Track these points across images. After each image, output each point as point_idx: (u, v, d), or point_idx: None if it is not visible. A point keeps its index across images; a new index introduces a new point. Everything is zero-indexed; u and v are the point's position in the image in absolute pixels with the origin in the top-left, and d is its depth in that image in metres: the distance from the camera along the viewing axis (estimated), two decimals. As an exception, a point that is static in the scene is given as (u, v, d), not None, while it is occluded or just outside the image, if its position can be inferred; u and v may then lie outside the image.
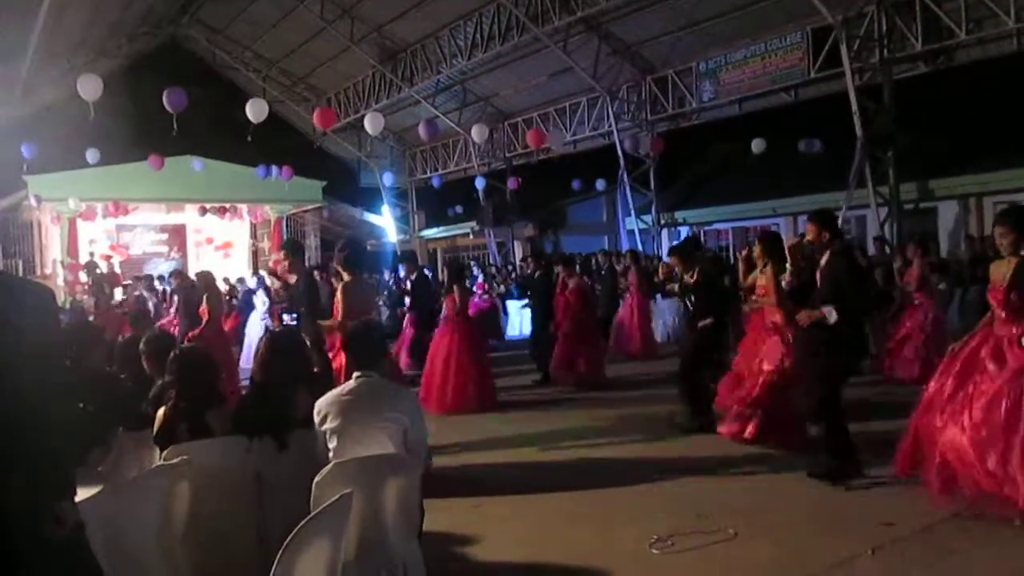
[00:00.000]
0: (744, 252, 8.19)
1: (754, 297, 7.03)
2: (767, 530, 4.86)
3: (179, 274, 12.91)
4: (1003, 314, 4.79)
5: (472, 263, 21.33)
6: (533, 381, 10.89)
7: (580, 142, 21.43)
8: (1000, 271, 4.86)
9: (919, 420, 4.97)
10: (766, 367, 6.63)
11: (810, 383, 5.86)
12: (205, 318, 9.15)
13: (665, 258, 10.67)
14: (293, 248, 8.07)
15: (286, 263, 7.98)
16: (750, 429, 6.73)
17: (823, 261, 5.88)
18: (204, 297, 9.38)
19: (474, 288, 15.72)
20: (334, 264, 7.74)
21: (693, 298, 8.03)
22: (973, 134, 16.25)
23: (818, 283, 5.91)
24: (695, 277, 7.88)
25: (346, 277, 6.70)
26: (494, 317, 16.11)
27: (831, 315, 5.58)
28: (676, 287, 8.45)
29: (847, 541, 4.57)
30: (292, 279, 7.76)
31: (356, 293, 6.52)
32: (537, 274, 11.91)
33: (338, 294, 6.56)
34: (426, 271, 15.60)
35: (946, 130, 16.81)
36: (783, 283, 6.55)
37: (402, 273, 13.80)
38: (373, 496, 3.50)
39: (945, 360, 5.05)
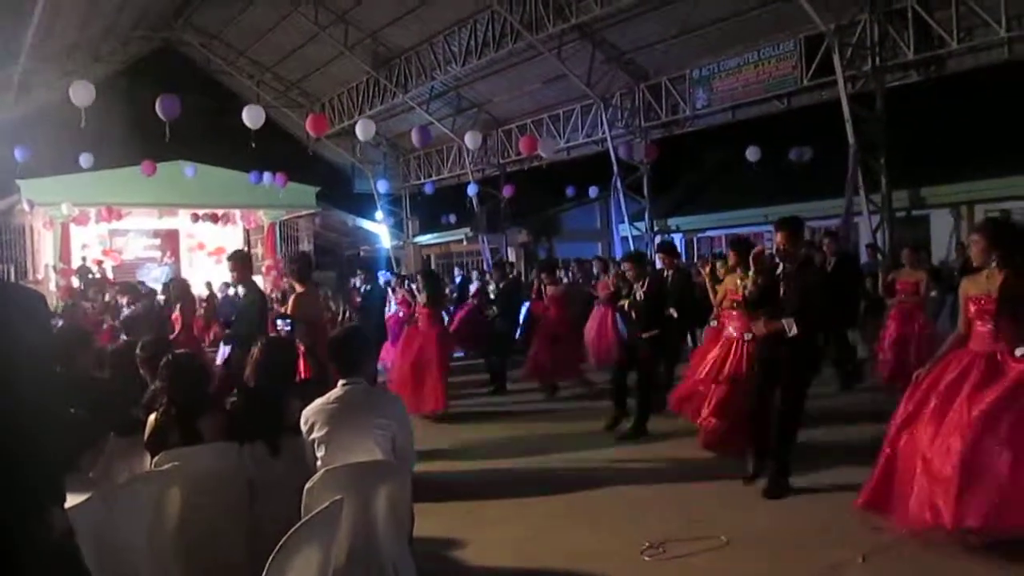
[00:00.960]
0: (708, 268, 8.12)
1: (730, 301, 6.96)
2: (758, 537, 4.87)
3: (131, 288, 12.66)
4: (984, 327, 4.59)
5: (474, 272, 21.21)
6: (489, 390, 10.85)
7: (574, 149, 21.47)
8: (979, 285, 4.66)
9: (896, 451, 4.64)
10: (723, 374, 6.61)
11: (783, 393, 5.74)
12: (178, 326, 8.95)
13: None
14: (240, 259, 7.87)
15: (234, 274, 8.08)
16: (703, 436, 6.79)
17: (788, 269, 5.78)
18: (177, 304, 9.19)
19: (471, 299, 15.59)
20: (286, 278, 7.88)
21: (638, 310, 7.86)
22: (965, 142, 16.34)
23: (782, 290, 5.77)
24: (644, 287, 7.77)
25: (298, 288, 7.14)
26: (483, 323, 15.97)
27: (791, 328, 5.57)
28: (624, 304, 8.21)
29: (838, 547, 4.58)
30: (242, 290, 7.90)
31: (307, 303, 6.98)
32: (502, 284, 11.89)
33: (290, 304, 6.98)
34: (379, 277, 15.47)
35: (938, 138, 16.92)
36: (746, 290, 6.50)
37: (358, 282, 13.48)
38: (363, 502, 3.50)
39: (914, 388, 4.71)
